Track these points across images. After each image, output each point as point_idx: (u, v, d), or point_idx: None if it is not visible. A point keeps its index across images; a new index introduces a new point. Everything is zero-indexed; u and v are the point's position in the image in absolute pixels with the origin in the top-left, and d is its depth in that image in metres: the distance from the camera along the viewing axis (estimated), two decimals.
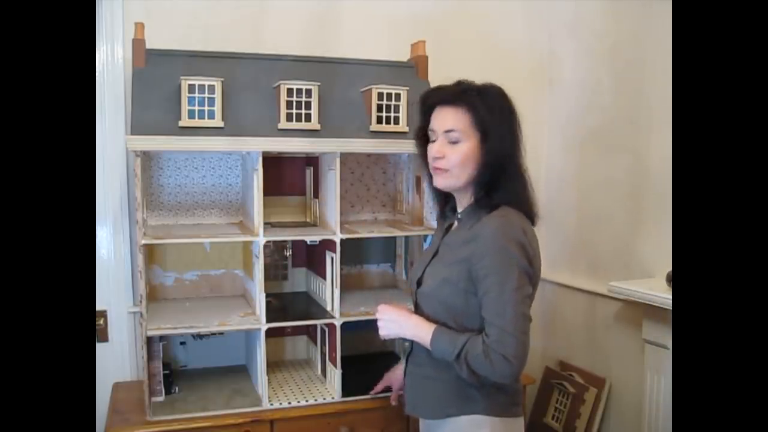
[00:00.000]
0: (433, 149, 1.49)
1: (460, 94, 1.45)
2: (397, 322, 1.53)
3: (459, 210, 1.55)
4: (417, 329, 1.48)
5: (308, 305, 2.08)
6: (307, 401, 1.89)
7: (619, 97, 2.23)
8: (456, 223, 1.55)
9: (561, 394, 2.44)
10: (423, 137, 1.56)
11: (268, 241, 1.84)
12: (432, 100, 1.52)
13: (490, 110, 1.43)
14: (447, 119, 1.46)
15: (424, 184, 1.95)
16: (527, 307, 1.38)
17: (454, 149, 1.45)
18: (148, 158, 2.05)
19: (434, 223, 1.85)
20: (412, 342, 1.56)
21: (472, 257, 1.39)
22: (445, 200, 1.61)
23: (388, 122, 1.91)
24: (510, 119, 1.46)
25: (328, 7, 2.30)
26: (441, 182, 1.50)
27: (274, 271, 2.23)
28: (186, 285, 2.14)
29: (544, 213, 2.64)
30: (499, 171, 1.44)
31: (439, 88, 1.53)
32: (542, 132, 2.62)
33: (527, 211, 1.47)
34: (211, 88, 1.74)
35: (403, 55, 2.21)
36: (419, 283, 1.55)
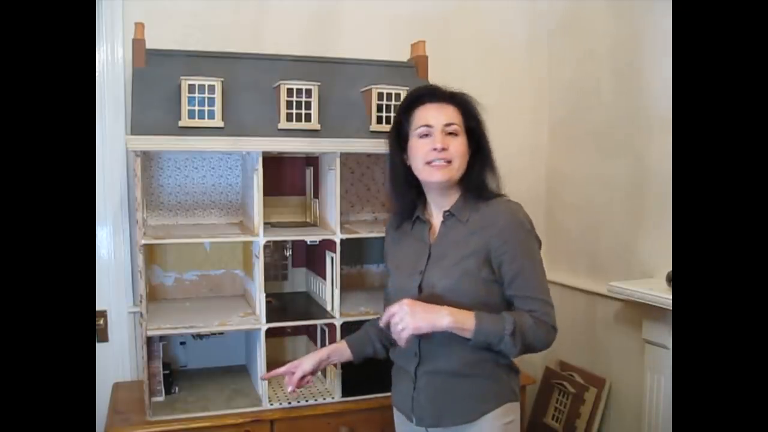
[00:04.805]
0: (435, 142, 1.45)
1: (452, 94, 1.52)
2: (428, 313, 1.37)
3: (437, 209, 1.54)
4: (456, 314, 1.37)
5: (308, 305, 2.08)
6: (307, 401, 1.89)
7: (619, 97, 2.23)
8: (441, 220, 1.53)
9: (561, 394, 2.44)
10: (399, 137, 1.55)
11: (268, 241, 1.84)
12: (425, 96, 1.52)
13: (474, 110, 1.52)
14: (444, 114, 1.48)
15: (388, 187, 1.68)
16: None
17: (455, 141, 1.48)
18: (148, 158, 2.04)
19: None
20: (419, 352, 1.49)
21: (492, 242, 1.44)
22: (413, 204, 1.58)
23: (388, 122, 1.90)
24: (483, 121, 1.54)
25: (328, 7, 2.30)
26: (442, 175, 1.46)
27: (274, 271, 2.23)
28: (186, 285, 2.14)
29: (544, 213, 2.63)
30: (487, 165, 1.53)
31: (432, 87, 1.56)
32: (542, 132, 2.62)
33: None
34: (211, 88, 1.74)
35: (403, 55, 2.21)
36: (420, 289, 1.49)
